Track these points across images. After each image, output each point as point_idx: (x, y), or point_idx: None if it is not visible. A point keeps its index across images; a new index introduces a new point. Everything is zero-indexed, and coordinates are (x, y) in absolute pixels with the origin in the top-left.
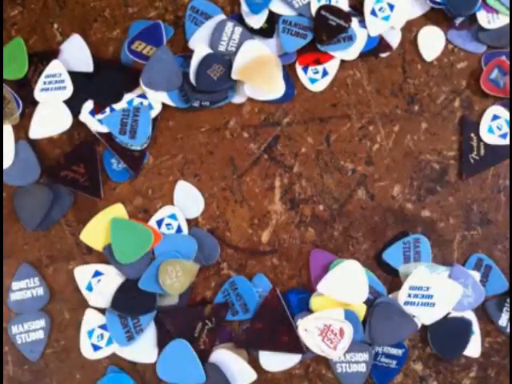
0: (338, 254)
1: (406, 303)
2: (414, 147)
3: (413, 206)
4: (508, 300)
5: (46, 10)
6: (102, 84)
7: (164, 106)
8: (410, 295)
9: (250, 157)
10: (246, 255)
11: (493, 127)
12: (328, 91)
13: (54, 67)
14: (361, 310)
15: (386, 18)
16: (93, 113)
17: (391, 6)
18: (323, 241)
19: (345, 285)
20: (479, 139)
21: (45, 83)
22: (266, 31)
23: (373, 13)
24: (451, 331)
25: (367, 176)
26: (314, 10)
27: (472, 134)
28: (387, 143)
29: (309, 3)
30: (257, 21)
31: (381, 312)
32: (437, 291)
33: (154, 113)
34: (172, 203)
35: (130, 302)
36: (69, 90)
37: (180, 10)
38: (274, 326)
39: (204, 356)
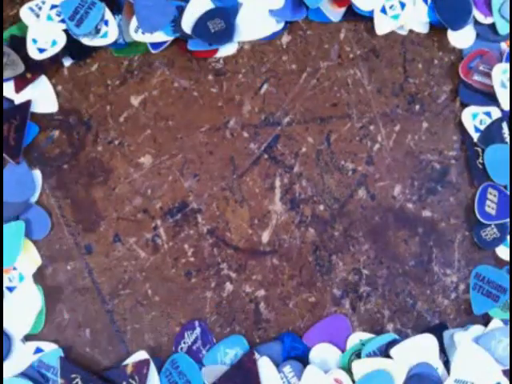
0: (338, 255)
1: None
2: (414, 147)
3: (413, 206)
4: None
5: None
6: None
7: (164, 105)
8: None
9: (250, 157)
10: (246, 255)
11: (478, 126)
12: (328, 91)
13: None
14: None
15: (396, 17)
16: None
17: (402, 5)
18: (323, 241)
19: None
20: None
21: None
22: None
23: (382, 10)
24: None
25: (368, 176)
26: None
27: (475, 140)
28: (388, 143)
29: None
30: None
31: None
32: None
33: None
34: (172, 203)
35: None
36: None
37: None
38: None
39: None
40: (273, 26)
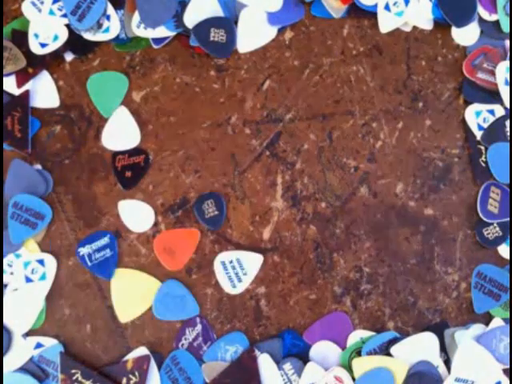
0: (339, 252)
1: None
2: (417, 144)
3: (416, 203)
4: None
5: None
6: None
7: (165, 100)
8: None
9: (251, 153)
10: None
11: (481, 124)
12: (331, 87)
13: None
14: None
15: (399, 14)
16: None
17: (406, 1)
18: (325, 238)
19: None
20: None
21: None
22: None
23: (386, 7)
24: None
25: (370, 173)
26: None
27: (478, 138)
28: (390, 140)
29: None
30: None
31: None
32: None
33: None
34: (173, 199)
35: None
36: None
37: None
38: None
39: None
40: (273, 33)
